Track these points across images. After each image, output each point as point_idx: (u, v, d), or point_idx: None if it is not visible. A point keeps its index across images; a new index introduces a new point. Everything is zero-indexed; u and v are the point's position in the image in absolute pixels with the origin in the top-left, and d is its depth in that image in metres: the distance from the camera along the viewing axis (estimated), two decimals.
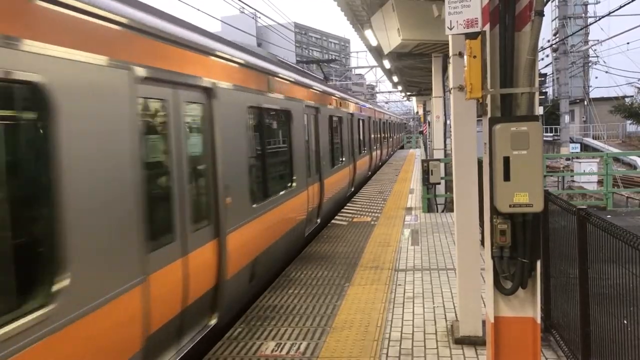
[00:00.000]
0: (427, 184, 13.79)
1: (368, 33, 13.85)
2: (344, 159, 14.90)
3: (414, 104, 52.80)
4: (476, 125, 5.61)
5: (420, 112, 43.41)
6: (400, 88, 36.06)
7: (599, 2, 39.11)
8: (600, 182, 20.95)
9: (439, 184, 14.17)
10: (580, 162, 22.85)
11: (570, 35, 33.58)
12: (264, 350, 5.52)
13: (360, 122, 19.35)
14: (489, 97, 3.91)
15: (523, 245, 3.89)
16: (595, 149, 38.64)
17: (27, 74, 3.07)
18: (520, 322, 4.06)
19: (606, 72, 43.78)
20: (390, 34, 12.15)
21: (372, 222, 12.42)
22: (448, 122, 16.62)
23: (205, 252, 5.37)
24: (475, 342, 5.42)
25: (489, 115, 3.93)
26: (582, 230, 4.30)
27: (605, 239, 3.80)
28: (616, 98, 48.19)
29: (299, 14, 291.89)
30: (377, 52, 17.02)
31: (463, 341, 5.48)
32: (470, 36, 3.91)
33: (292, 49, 79.43)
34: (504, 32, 3.84)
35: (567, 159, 26.26)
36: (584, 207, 4.41)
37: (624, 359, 3.51)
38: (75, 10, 3.49)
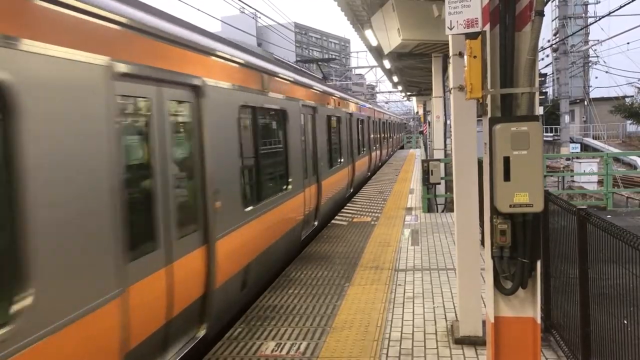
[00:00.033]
0: (427, 184, 13.79)
1: (368, 33, 13.86)
2: (342, 159, 14.71)
3: (414, 104, 52.85)
4: (476, 125, 5.61)
5: (420, 112, 43.43)
6: (400, 88, 36.09)
7: (599, 2, 39.20)
8: (600, 182, 20.99)
9: (439, 184, 14.18)
10: (580, 162, 22.90)
11: (571, 35, 33.64)
12: (264, 350, 5.52)
13: (360, 122, 19.29)
14: (489, 97, 3.91)
15: (523, 245, 3.88)
16: (595, 149, 38.67)
17: None
18: (520, 322, 4.06)
19: (606, 72, 43.95)
20: (391, 34, 12.15)
21: (372, 222, 12.42)
22: (448, 122, 16.64)
23: (192, 259, 5.11)
24: (475, 342, 5.42)
25: (489, 115, 3.93)
26: (582, 231, 4.31)
27: (606, 239, 3.80)
28: (616, 98, 48.22)
29: (299, 14, 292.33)
30: (377, 52, 17.03)
31: (463, 341, 5.48)
32: (471, 36, 3.91)
33: (292, 49, 79.43)
34: (504, 32, 3.84)
35: (567, 159, 26.31)
36: (584, 207, 4.41)
37: (624, 359, 3.52)
38: None
